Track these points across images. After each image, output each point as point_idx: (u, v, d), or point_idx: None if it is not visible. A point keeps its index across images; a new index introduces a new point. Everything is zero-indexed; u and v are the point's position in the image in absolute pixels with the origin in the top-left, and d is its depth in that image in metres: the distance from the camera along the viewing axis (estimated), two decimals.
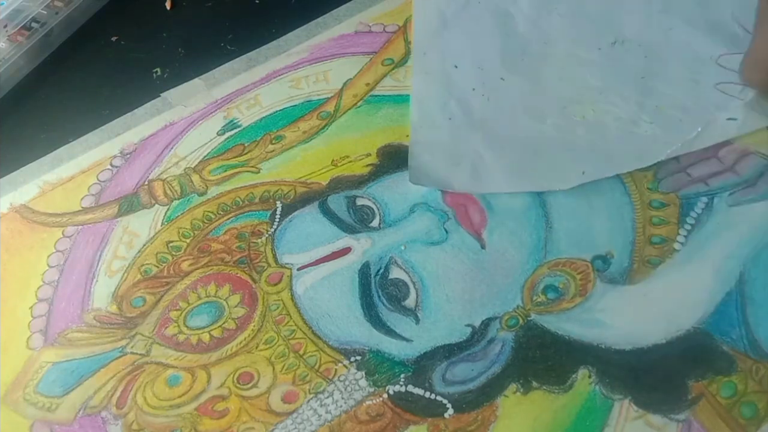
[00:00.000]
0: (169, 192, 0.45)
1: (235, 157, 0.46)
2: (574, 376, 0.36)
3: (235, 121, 0.48)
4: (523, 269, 0.40)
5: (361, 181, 0.44)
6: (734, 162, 0.42)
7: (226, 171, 0.46)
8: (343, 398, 0.37)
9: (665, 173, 0.42)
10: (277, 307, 0.40)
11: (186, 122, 0.48)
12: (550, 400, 0.36)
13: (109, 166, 0.47)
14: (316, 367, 0.38)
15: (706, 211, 0.41)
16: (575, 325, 0.38)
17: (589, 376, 0.36)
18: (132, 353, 0.39)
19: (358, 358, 0.38)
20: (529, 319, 0.38)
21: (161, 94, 0.50)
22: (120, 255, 0.43)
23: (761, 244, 0.39)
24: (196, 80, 0.50)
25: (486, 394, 0.36)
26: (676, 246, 0.40)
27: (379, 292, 0.40)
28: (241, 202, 0.44)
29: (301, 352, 0.38)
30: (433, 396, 0.36)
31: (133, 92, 0.50)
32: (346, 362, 0.38)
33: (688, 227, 0.40)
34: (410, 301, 0.39)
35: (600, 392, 0.36)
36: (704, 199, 0.41)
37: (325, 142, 0.47)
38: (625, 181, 0.42)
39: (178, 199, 0.45)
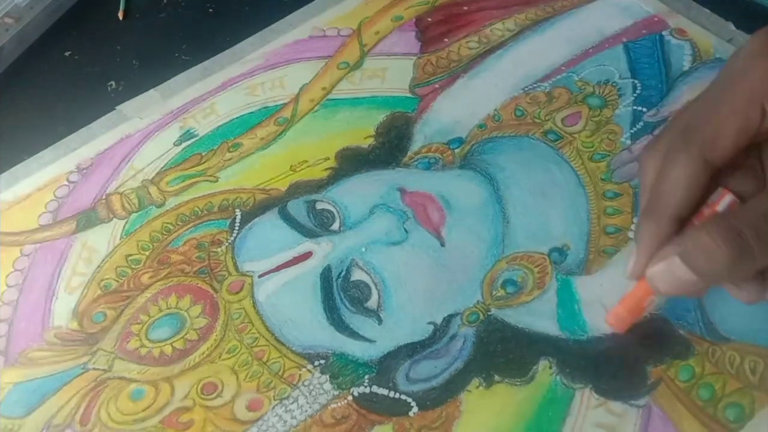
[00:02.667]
0: (126, 205, 0.45)
1: (192, 167, 0.46)
2: (535, 367, 0.37)
3: (192, 130, 0.48)
4: (482, 265, 0.40)
5: (320, 186, 0.44)
6: None
7: (183, 181, 0.45)
8: (308, 403, 0.37)
9: (618, 164, 0.43)
10: (239, 316, 0.40)
11: (142, 134, 0.48)
12: (512, 393, 0.36)
13: (66, 182, 0.46)
14: (280, 373, 0.38)
15: None
16: (535, 318, 0.38)
17: (550, 367, 0.37)
18: (94, 369, 0.39)
19: (322, 361, 0.38)
20: (489, 313, 0.39)
21: (116, 108, 0.49)
22: (79, 271, 0.42)
23: None
24: (152, 91, 0.50)
25: (449, 390, 0.37)
26: (631, 235, 0.40)
27: (341, 294, 0.40)
28: (199, 212, 0.44)
29: (264, 359, 0.38)
30: (397, 395, 0.37)
31: (88, 107, 0.50)
32: (310, 367, 0.38)
33: None
34: (372, 302, 0.39)
35: (561, 382, 0.36)
36: None
37: (283, 147, 0.47)
38: (580, 173, 0.43)
39: (137, 211, 0.44)
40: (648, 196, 0.34)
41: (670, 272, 0.32)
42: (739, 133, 0.32)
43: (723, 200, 0.32)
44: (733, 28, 0.49)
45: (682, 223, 0.33)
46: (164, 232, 0.43)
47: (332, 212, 0.43)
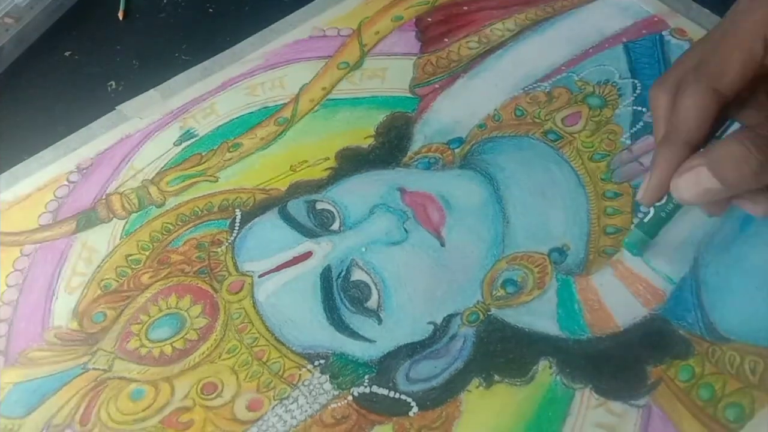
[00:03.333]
0: (126, 205, 0.45)
1: (192, 167, 0.46)
2: (535, 367, 0.37)
3: (192, 130, 0.48)
4: (482, 265, 0.40)
5: (320, 185, 0.44)
6: None
7: (183, 181, 0.45)
8: (308, 403, 0.37)
9: (618, 164, 0.43)
10: (239, 316, 0.40)
11: (142, 134, 0.48)
12: (512, 393, 0.36)
13: (66, 182, 0.46)
14: (280, 373, 0.38)
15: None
16: (535, 318, 0.38)
17: (550, 367, 0.37)
18: (94, 369, 0.39)
19: (322, 361, 0.38)
20: (489, 313, 0.39)
21: (116, 108, 0.49)
22: (79, 271, 0.42)
23: (713, 229, 0.40)
24: (152, 91, 0.50)
25: (449, 390, 0.37)
26: None
27: (341, 294, 0.40)
28: (199, 212, 0.44)
29: (264, 359, 0.38)
30: (397, 395, 0.37)
31: (88, 107, 0.50)
32: (309, 367, 0.38)
33: (642, 216, 0.41)
34: (372, 302, 0.39)
35: (561, 382, 0.36)
36: None
37: (283, 147, 0.47)
38: (580, 173, 0.43)
39: (136, 211, 0.44)
40: (663, 126, 0.36)
41: (696, 181, 0.33)
42: (744, 65, 0.33)
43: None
44: None
45: (695, 150, 0.34)
46: (164, 232, 0.43)
47: (332, 212, 0.43)
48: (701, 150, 0.34)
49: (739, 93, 0.34)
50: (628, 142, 0.44)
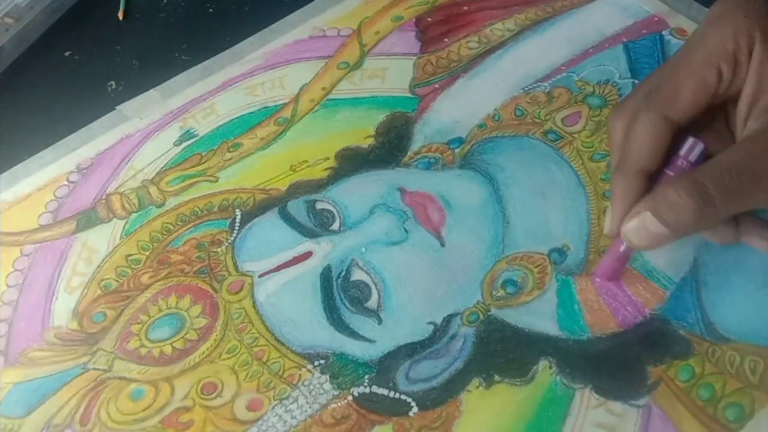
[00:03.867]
0: (126, 205, 0.45)
1: (192, 167, 0.46)
2: (535, 367, 0.37)
3: (192, 130, 0.48)
4: (482, 265, 0.40)
5: (320, 185, 0.44)
6: None
7: (183, 181, 0.45)
8: (308, 403, 0.37)
9: None
10: (239, 316, 0.40)
11: (142, 134, 0.48)
12: (512, 393, 0.36)
13: (66, 182, 0.46)
14: (280, 373, 0.38)
15: None
16: (534, 318, 0.38)
17: (550, 367, 0.37)
18: (94, 369, 0.39)
19: (322, 361, 0.38)
20: (489, 313, 0.39)
21: (116, 107, 0.49)
22: (79, 271, 0.42)
23: None
24: (152, 91, 0.50)
25: (449, 390, 0.37)
26: None
27: (341, 294, 0.40)
28: (199, 212, 0.44)
29: (264, 359, 0.38)
30: (397, 395, 0.37)
31: (88, 107, 0.50)
32: (309, 367, 0.38)
33: None
34: (372, 302, 0.39)
35: (561, 382, 0.36)
36: None
37: (283, 147, 0.47)
38: (580, 173, 0.43)
39: (136, 211, 0.44)
40: (617, 155, 0.36)
41: (643, 227, 0.34)
42: (696, 92, 0.34)
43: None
44: None
45: (649, 178, 0.35)
46: (164, 232, 0.43)
47: (332, 212, 0.43)
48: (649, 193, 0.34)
49: (693, 120, 0.35)
50: None
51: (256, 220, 0.43)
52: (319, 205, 0.43)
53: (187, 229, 0.43)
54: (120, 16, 0.56)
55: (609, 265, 0.38)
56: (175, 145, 0.47)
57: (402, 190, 0.43)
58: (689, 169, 0.34)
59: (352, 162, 0.45)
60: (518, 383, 0.36)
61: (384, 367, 0.37)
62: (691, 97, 0.34)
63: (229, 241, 0.43)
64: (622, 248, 0.36)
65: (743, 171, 0.32)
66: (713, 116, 0.36)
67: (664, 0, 0.50)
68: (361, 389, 0.37)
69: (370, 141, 0.46)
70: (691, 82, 0.34)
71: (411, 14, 0.53)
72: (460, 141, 0.46)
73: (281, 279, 0.41)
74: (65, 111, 0.51)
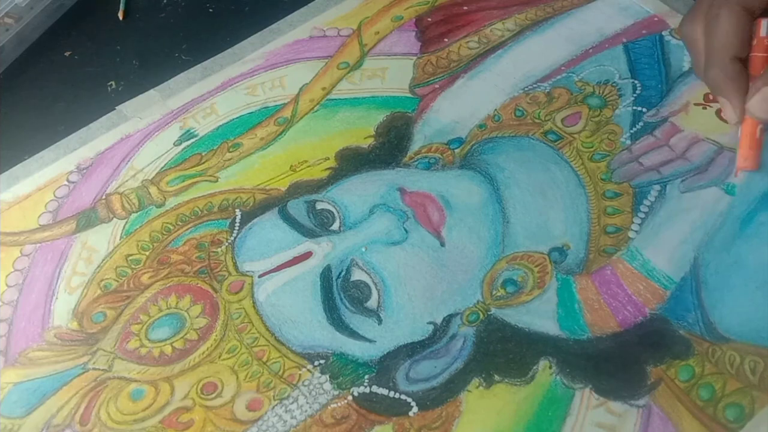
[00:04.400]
0: (126, 205, 0.45)
1: (192, 167, 0.46)
2: (535, 367, 0.37)
3: (192, 130, 0.48)
4: (482, 264, 0.40)
5: (320, 185, 0.44)
6: (685, 149, 0.43)
7: (183, 181, 0.45)
8: (307, 403, 0.37)
9: (618, 164, 0.43)
10: (239, 316, 0.40)
11: (142, 134, 0.48)
12: (512, 393, 0.36)
13: (66, 182, 0.46)
14: (280, 373, 0.38)
15: (659, 198, 0.41)
16: (534, 318, 0.38)
17: (550, 367, 0.37)
18: (94, 369, 0.39)
19: (322, 361, 0.38)
20: (489, 313, 0.39)
21: (116, 107, 0.49)
22: (79, 271, 0.42)
23: (713, 229, 0.40)
24: (152, 91, 0.50)
25: (449, 390, 0.37)
26: (631, 234, 0.40)
27: (341, 294, 0.40)
28: (199, 212, 0.44)
29: (264, 359, 0.38)
30: (397, 395, 0.37)
31: (88, 107, 0.50)
32: (309, 367, 0.38)
33: (642, 215, 0.41)
34: (372, 302, 0.39)
35: (561, 382, 0.36)
36: (657, 187, 0.42)
37: (283, 147, 0.47)
38: (579, 173, 0.43)
39: (136, 211, 0.44)
40: (701, 55, 0.39)
41: (765, 99, 0.37)
42: None
43: (763, 25, 0.38)
44: None
45: (741, 63, 0.38)
46: (164, 232, 0.43)
47: (332, 212, 0.43)
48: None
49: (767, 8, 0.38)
50: (628, 142, 0.44)
51: (256, 220, 0.43)
52: (319, 205, 0.43)
53: (187, 229, 0.43)
54: (120, 16, 0.56)
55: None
56: (175, 145, 0.47)
57: (402, 190, 0.43)
58: None
59: (352, 162, 0.45)
60: (518, 383, 0.36)
61: (384, 367, 0.37)
62: None
63: (229, 241, 0.43)
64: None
65: None
66: None
67: (664, 0, 0.50)
68: (361, 389, 0.37)
69: (370, 141, 0.46)
70: None
71: (411, 14, 0.53)
72: (460, 141, 0.46)
73: (281, 279, 0.41)
74: (65, 111, 0.51)
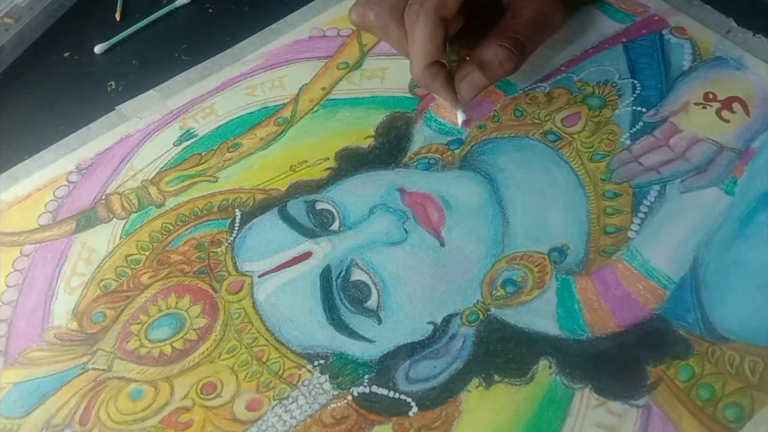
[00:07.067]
0: (126, 205, 0.45)
1: (192, 167, 0.46)
2: (534, 367, 0.37)
3: (192, 131, 0.48)
4: (481, 265, 0.40)
5: (320, 186, 0.44)
6: (685, 149, 0.43)
7: (183, 181, 0.45)
8: (307, 403, 0.37)
9: (617, 164, 0.43)
10: (239, 316, 0.40)
11: (142, 134, 0.48)
12: (512, 393, 0.36)
13: (66, 182, 0.46)
14: (280, 373, 0.38)
15: (659, 198, 0.41)
16: (534, 318, 0.38)
17: (550, 367, 0.37)
18: (94, 369, 0.39)
19: (322, 361, 0.38)
20: (489, 313, 0.39)
21: (116, 108, 0.49)
22: (79, 271, 0.42)
23: (713, 229, 0.40)
24: (151, 92, 0.50)
25: (449, 390, 0.37)
26: (631, 234, 0.40)
27: (341, 294, 0.40)
28: (199, 212, 0.44)
29: (264, 359, 0.38)
30: (397, 395, 0.37)
31: (87, 107, 0.50)
32: (309, 367, 0.38)
33: (642, 215, 0.41)
34: (372, 302, 0.39)
35: (561, 382, 0.36)
36: (656, 187, 0.42)
37: (283, 147, 0.47)
38: (579, 173, 0.43)
39: (136, 212, 0.44)
40: (410, 55, 0.43)
41: (473, 83, 0.43)
42: None
43: None
44: (734, 24, 0.48)
45: (439, 64, 0.43)
46: (164, 232, 0.43)
47: (332, 212, 0.43)
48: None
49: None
50: (628, 142, 0.44)
51: (255, 220, 0.43)
52: (318, 205, 0.43)
53: (187, 229, 0.43)
54: (117, 17, 0.55)
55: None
56: (175, 145, 0.47)
57: (402, 191, 0.43)
58: None
59: (351, 162, 0.45)
60: (518, 383, 0.36)
61: (384, 367, 0.37)
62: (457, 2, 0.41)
63: (229, 241, 0.43)
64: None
65: (538, 23, 0.44)
66: None
67: None
68: (361, 389, 0.37)
69: (370, 141, 0.46)
70: None
71: None
72: (459, 142, 0.46)
73: (281, 279, 0.41)
74: (65, 111, 0.51)
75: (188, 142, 0.47)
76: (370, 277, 0.40)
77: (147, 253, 0.42)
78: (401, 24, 0.43)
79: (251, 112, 0.48)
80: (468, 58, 0.43)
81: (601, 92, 0.47)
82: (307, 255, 0.41)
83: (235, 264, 0.41)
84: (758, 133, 0.43)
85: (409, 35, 0.43)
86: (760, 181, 0.41)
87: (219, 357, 0.38)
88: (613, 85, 0.47)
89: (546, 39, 0.46)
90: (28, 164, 0.47)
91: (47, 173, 0.47)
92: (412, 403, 0.36)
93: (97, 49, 0.54)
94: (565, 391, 0.36)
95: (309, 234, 0.42)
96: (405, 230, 0.41)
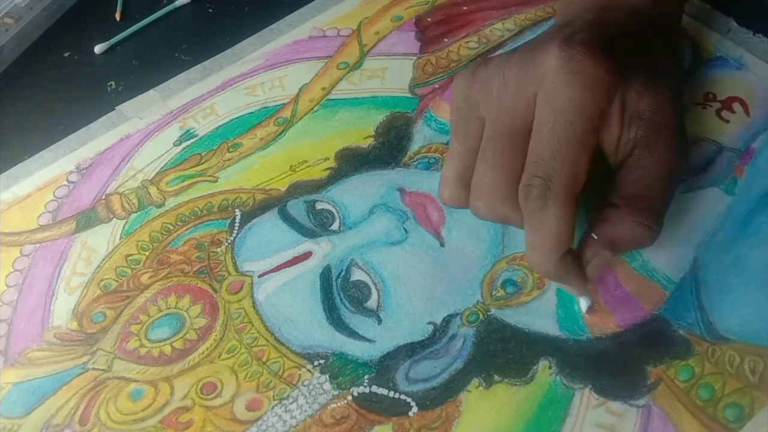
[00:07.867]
0: (126, 205, 0.45)
1: (192, 167, 0.46)
2: (534, 367, 0.37)
3: (192, 130, 0.48)
4: (481, 265, 0.40)
5: (320, 186, 0.44)
6: None
7: (183, 181, 0.45)
8: (307, 403, 0.37)
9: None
10: (239, 316, 0.40)
11: (142, 134, 0.48)
12: (512, 393, 0.36)
13: (66, 182, 0.46)
14: (280, 373, 0.38)
15: None
16: (534, 318, 0.38)
17: (550, 367, 0.37)
18: (94, 369, 0.39)
19: (322, 361, 0.38)
20: (489, 313, 0.39)
21: (116, 108, 0.49)
22: (79, 271, 0.42)
23: (713, 229, 0.40)
24: (151, 92, 0.50)
25: (449, 390, 0.37)
26: None
27: (341, 294, 0.40)
28: (199, 212, 0.44)
29: (264, 359, 0.38)
30: (397, 395, 0.37)
31: (87, 107, 0.50)
32: (309, 366, 0.38)
33: None
34: (372, 302, 0.39)
35: (561, 382, 0.36)
36: None
37: (283, 147, 0.47)
38: None
39: (136, 212, 0.44)
40: (538, 245, 0.35)
41: (602, 262, 0.36)
42: (588, 165, 0.35)
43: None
44: (734, 24, 0.48)
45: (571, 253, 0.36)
46: (164, 232, 0.43)
47: (332, 212, 0.43)
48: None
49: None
50: None
51: (255, 220, 0.43)
52: (318, 205, 0.43)
53: (187, 230, 0.43)
54: (117, 17, 0.55)
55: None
56: (175, 145, 0.47)
57: (402, 190, 0.43)
58: None
59: (351, 162, 0.45)
60: (518, 383, 0.36)
61: (384, 367, 0.37)
62: (585, 173, 0.35)
63: (229, 241, 0.43)
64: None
65: (662, 181, 0.36)
66: None
67: None
68: (361, 389, 0.37)
69: (370, 141, 0.46)
70: (585, 159, 0.35)
71: (411, 14, 0.53)
72: None
73: (281, 279, 0.41)
74: (65, 111, 0.51)
75: (188, 142, 0.47)
76: (370, 277, 0.40)
77: (147, 253, 0.42)
78: (517, 207, 0.35)
79: (251, 112, 0.48)
80: (594, 236, 0.36)
81: None
82: (307, 255, 0.41)
83: (235, 264, 0.41)
84: (758, 133, 0.43)
85: (533, 222, 0.35)
86: (760, 181, 0.41)
87: (219, 357, 0.38)
88: None
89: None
90: (28, 164, 0.47)
91: (47, 173, 0.47)
92: (412, 403, 0.36)
93: (97, 49, 0.54)
94: (565, 391, 0.36)
95: (309, 234, 0.42)
96: (405, 230, 0.41)
